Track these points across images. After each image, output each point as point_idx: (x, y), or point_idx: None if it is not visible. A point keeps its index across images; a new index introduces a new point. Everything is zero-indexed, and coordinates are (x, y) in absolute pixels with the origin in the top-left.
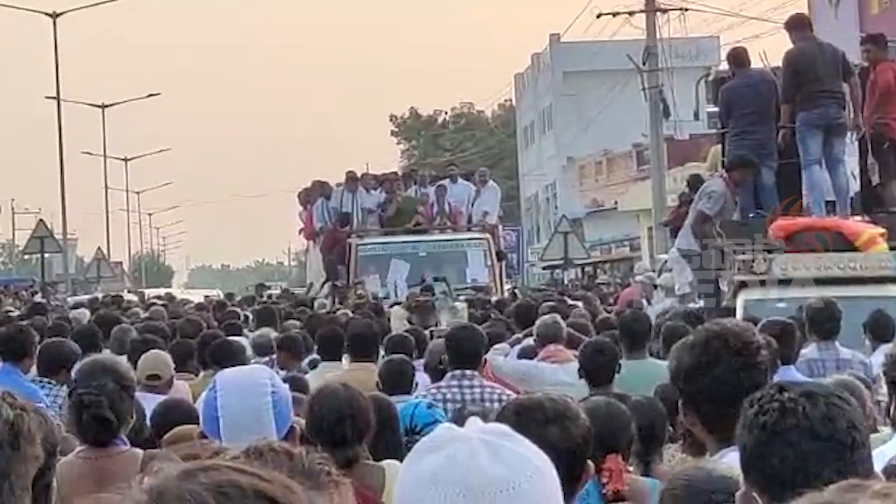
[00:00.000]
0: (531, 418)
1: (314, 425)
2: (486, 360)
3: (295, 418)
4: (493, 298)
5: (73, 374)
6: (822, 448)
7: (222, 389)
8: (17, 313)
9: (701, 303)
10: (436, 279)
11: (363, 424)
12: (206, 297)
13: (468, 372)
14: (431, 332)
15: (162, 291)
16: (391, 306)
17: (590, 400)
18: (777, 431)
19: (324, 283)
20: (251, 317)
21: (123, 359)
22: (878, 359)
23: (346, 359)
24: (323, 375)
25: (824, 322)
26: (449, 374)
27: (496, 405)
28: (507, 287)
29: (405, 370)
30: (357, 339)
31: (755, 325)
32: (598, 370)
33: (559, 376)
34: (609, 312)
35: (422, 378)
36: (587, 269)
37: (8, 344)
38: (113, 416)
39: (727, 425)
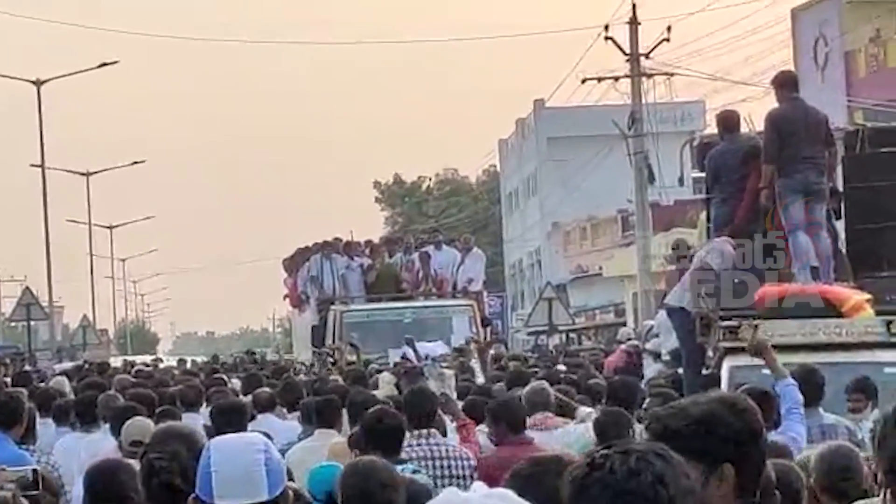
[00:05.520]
0: (548, 470)
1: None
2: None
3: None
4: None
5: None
6: (622, 502)
7: (215, 450)
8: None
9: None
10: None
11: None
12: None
13: (430, 430)
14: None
15: (149, 358)
16: (378, 372)
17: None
18: (584, 485)
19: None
20: (238, 384)
21: (200, 427)
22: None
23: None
24: (325, 443)
25: (807, 388)
26: (410, 434)
27: (462, 462)
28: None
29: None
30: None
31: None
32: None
33: (550, 444)
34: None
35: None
36: (572, 335)
37: None
38: (183, 483)
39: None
